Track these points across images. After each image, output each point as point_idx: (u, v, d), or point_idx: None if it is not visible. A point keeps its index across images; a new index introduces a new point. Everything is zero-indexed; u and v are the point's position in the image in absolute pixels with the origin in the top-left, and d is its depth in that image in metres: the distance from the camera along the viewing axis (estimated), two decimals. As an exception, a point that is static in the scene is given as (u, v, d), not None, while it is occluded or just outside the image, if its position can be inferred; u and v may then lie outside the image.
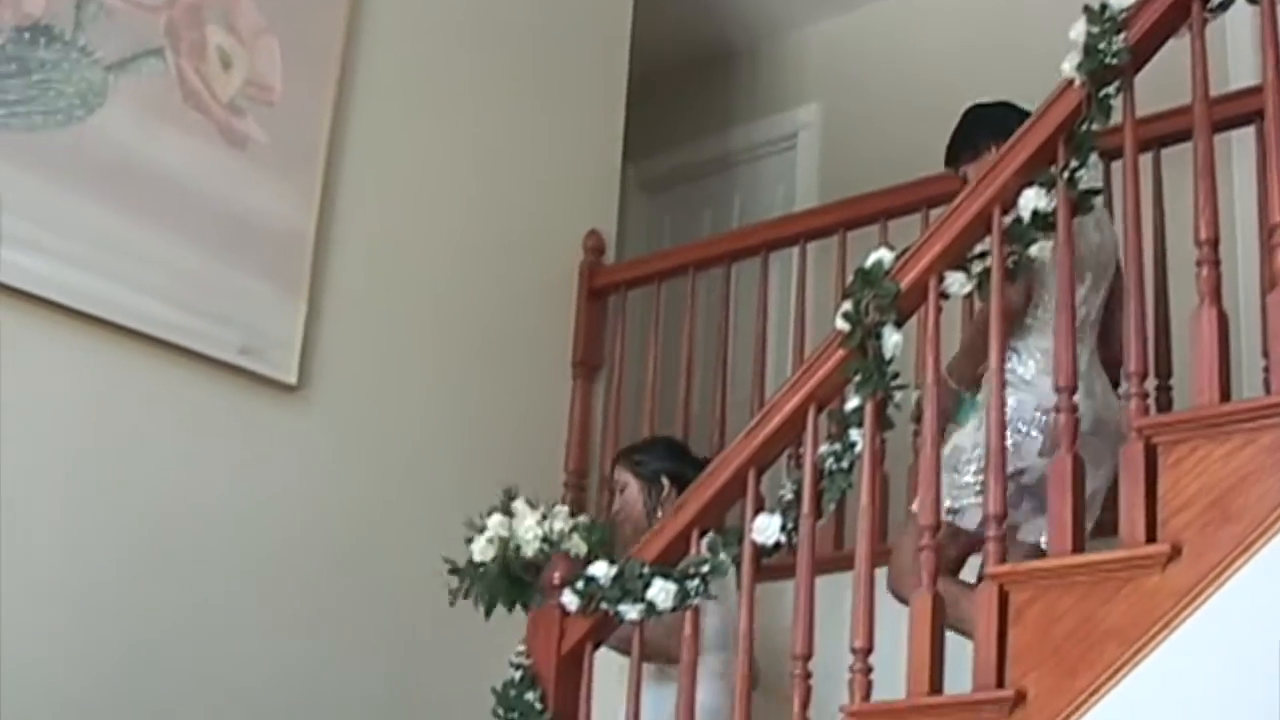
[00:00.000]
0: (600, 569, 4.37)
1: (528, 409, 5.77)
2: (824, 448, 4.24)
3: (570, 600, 4.39)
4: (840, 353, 4.25)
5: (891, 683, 4.06)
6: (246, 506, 4.86)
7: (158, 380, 4.98)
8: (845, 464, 4.21)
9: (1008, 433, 4.20)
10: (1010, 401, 4.29)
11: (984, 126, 4.88)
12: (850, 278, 4.29)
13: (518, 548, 4.50)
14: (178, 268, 5.02)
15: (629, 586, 4.31)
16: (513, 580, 4.50)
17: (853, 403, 4.23)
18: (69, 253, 4.79)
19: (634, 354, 6.04)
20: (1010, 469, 4.23)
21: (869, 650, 4.05)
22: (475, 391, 5.56)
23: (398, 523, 5.36)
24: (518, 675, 4.39)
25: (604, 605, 4.35)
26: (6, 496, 4.63)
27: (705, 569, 4.27)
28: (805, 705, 4.08)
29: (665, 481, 5.07)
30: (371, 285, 5.54)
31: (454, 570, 4.50)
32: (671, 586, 4.28)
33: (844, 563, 4.60)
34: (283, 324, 5.24)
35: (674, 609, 4.30)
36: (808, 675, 4.11)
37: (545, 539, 4.53)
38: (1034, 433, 4.49)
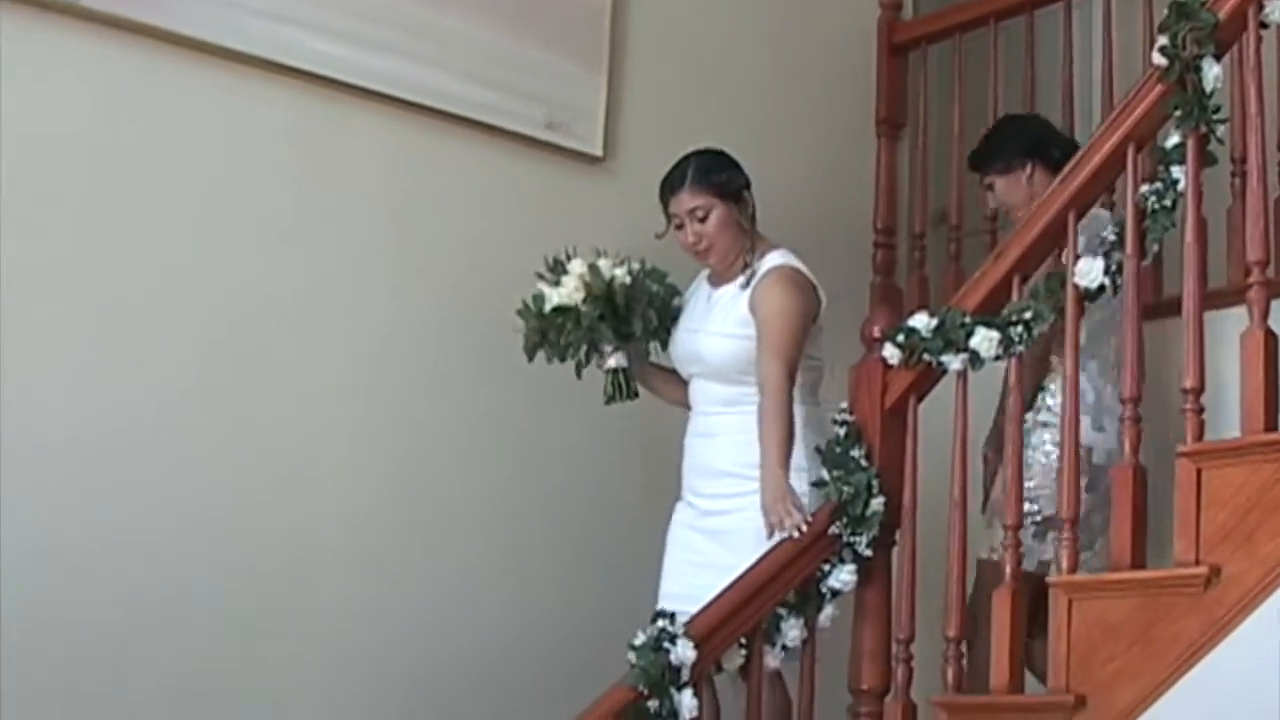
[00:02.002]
0: (920, 320, 4.33)
1: (832, 170, 5.72)
2: (1144, 187, 4.15)
3: (892, 353, 4.37)
4: (1158, 89, 4.15)
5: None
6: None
7: (467, 159, 5.05)
8: (1167, 202, 4.12)
9: (1050, 478, 4.44)
10: (1047, 444, 4.56)
11: (1020, 141, 4.98)
12: (1159, 15, 4.17)
13: (611, 280, 4.58)
14: (481, 47, 5.05)
15: (951, 336, 4.27)
16: (619, 318, 4.60)
17: (1173, 139, 4.13)
18: (376, 39, 4.85)
19: (937, 110, 5.93)
20: (1051, 511, 4.44)
21: (1200, 390, 3.99)
22: (779, 155, 5.51)
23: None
24: (842, 432, 4.39)
25: (925, 357, 4.32)
26: (330, 283, 4.78)
27: (1028, 316, 4.22)
28: (1136, 449, 4.05)
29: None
30: (668, 55, 5.51)
31: (539, 316, 4.57)
32: (994, 335, 4.23)
33: (1162, 310, 4.54)
34: (586, 97, 5.26)
35: (997, 358, 4.26)
36: (1138, 419, 4.07)
37: (631, 272, 4.64)
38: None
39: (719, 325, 4.61)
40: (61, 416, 4.31)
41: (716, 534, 4.49)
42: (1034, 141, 5.00)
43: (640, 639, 3.97)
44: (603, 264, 4.62)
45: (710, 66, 5.62)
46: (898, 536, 4.38)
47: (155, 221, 4.51)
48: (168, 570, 4.43)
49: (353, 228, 4.85)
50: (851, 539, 4.29)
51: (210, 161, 4.62)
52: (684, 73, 5.55)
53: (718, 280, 4.70)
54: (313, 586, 4.68)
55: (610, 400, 4.65)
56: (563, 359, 4.62)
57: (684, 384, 4.74)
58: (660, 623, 3.99)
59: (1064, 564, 4.08)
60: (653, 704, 3.93)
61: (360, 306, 4.84)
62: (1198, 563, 3.89)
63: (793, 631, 4.24)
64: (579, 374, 4.63)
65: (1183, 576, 3.90)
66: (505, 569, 4.95)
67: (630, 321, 4.62)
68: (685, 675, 3.97)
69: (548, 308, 4.59)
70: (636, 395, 4.69)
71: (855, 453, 4.36)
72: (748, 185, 4.69)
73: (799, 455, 4.46)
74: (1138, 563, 4.03)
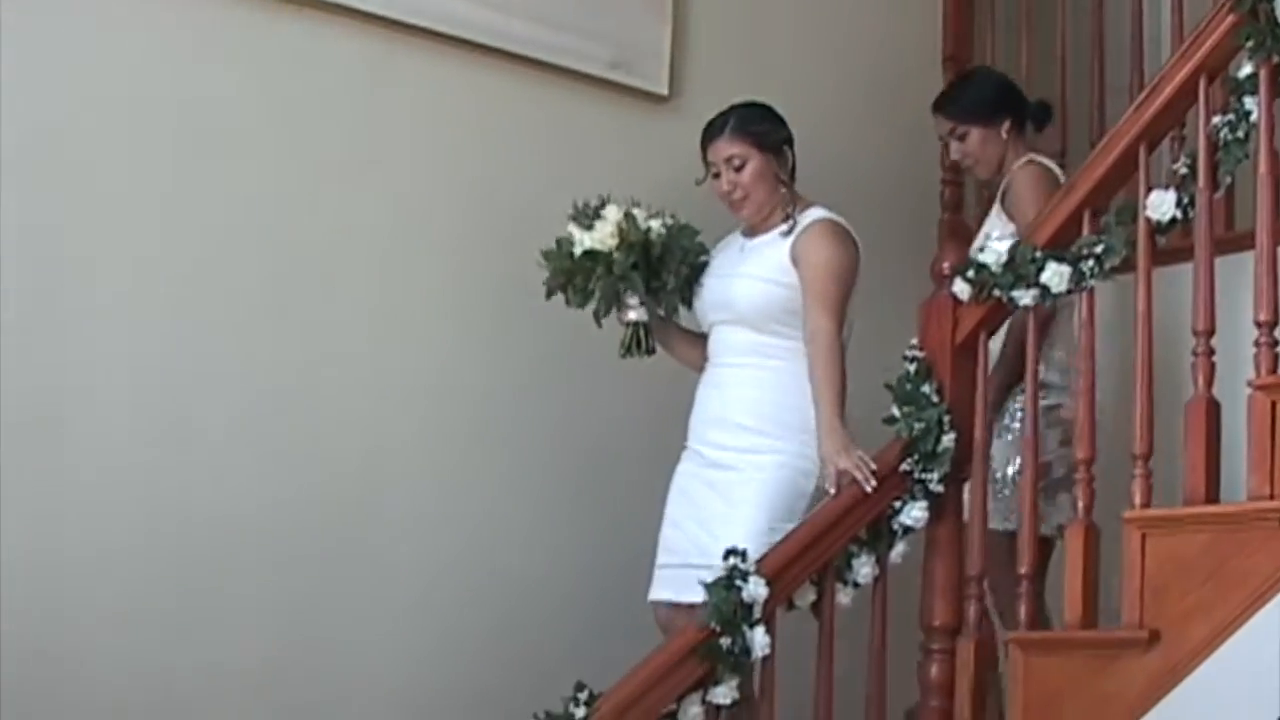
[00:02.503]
0: (991, 255, 4.31)
1: (898, 107, 5.67)
2: (1216, 119, 4.11)
3: (961, 289, 4.34)
4: (1230, 19, 4.11)
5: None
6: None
7: (532, 100, 5.05)
8: (1240, 134, 4.08)
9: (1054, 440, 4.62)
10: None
11: (1002, 96, 5.02)
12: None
13: (647, 231, 4.56)
14: (545, -13, 5.04)
15: (1021, 271, 4.24)
16: (650, 269, 4.57)
17: (1245, 70, 4.09)
18: (441, -20, 4.85)
19: (1005, 46, 5.87)
20: (1062, 471, 4.52)
21: (1274, 323, 3.96)
22: (846, 93, 5.49)
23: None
24: (912, 368, 4.37)
25: (996, 292, 4.30)
26: (399, 225, 4.81)
27: (1099, 250, 4.18)
28: (1210, 382, 4.03)
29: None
30: (733, -8, 5.50)
31: (569, 258, 4.55)
32: (1065, 269, 4.20)
33: (1233, 244, 4.50)
34: (651, 36, 5.24)
35: (1068, 292, 4.23)
36: (1211, 352, 4.04)
37: (667, 226, 4.61)
38: (1049, 430, 4.60)
39: (754, 269, 4.58)
40: (154, 356, 4.41)
41: (717, 486, 4.49)
42: (1015, 99, 5.02)
43: (713, 576, 3.97)
44: (637, 212, 4.59)
45: (775, 4, 5.59)
46: (968, 472, 4.36)
47: (234, 166, 4.56)
48: (243, 514, 4.49)
49: (419, 170, 4.86)
50: (923, 475, 4.27)
51: (280, 106, 4.65)
52: (748, 11, 5.52)
53: (752, 231, 4.67)
54: (386, 531, 4.72)
55: (626, 354, 4.63)
56: (582, 305, 4.59)
57: (700, 344, 4.71)
58: (732, 560, 3.99)
59: (1137, 499, 4.06)
60: (725, 641, 3.93)
61: (427, 248, 4.86)
62: (1273, 497, 3.87)
63: (864, 569, 4.24)
64: (599, 322, 4.59)
65: (1258, 510, 3.87)
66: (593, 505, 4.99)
67: (661, 274, 4.60)
68: (757, 612, 3.97)
69: (578, 250, 4.56)
70: (654, 351, 4.66)
71: (926, 389, 4.34)
72: (789, 141, 4.65)
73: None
74: (1211, 497, 4.00)
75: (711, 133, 4.64)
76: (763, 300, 4.53)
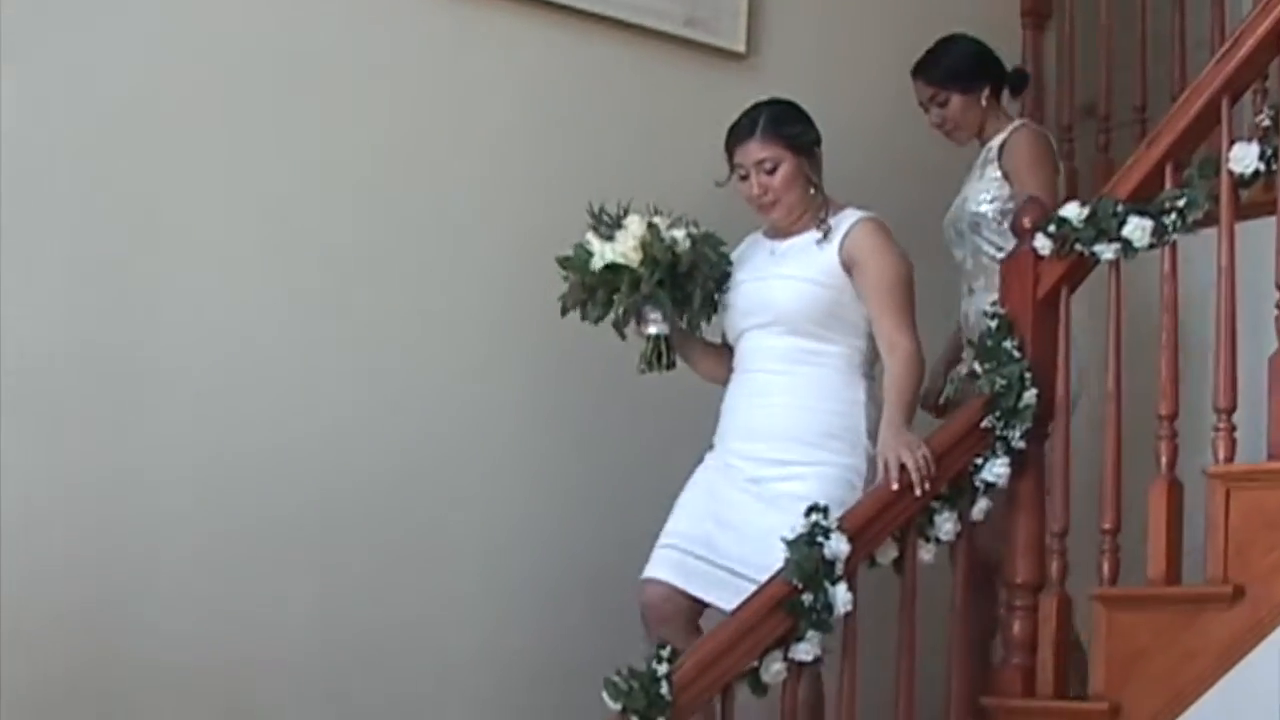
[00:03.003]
0: (1072, 210, 4.28)
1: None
2: (1302, 69, 4.08)
3: (1043, 244, 4.32)
4: (1313, -31, 4.07)
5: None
6: (703, 174, 4.88)
7: (608, 58, 5.07)
8: (1324, 85, 4.04)
9: None
10: None
11: (982, 62, 4.96)
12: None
13: (673, 245, 4.36)
14: (621, -57, 5.03)
15: (1103, 226, 4.22)
16: (676, 285, 4.38)
17: (1331, 18, 4.06)
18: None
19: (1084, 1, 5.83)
20: None
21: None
22: (922, 50, 5.45)
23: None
24: (994, 324, 4.35)
25: (1078, 247, 4.27)
26: (477, 182, 4.84)
27: (1181, 203, 4.15)
28: (1292, 335, 4.01)
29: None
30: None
31: (590, 271, 4.38)
32: (1147, 223, 4.17)
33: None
34: (728, -7, 5.22)
35: (1150, 247, 4.20)
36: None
37: (692, 237, 4.41)
38: None
39: (794, 269, 4.42)
40: (230, 302, 4.49)
41: (779, 500, 4.26)
42: (994, 65, 4.99)
43: (794, 533, 3.98)
44: (659, 221, 4.40)
45: (852, -39, 5.57)
46: (1050, 429, 4.35)
47: (319, 120, 4.63)
48: (311, 472, 4.56)
49: (497, 128, 4.88)
50: (1004, 432, 4.26)
51: (365, 63, 4.70)
52: (826, -32, 5.50)
53: (779, 234, 4.51)
54: (447, 507, 4.76)
55: (648, 369, 4.45)
56: (599, 320, 4.42)
57: (722, 356, 4.56)
58: (814, 516, 3.99)
59: (1221, 454, 4.04)
60: (807, 598, 3.94)
61: (504, 206, 4.88)
62: (1359, 449, 3.85)
63: (946, 525, 4.23)
64: (621, 334, 4.44)
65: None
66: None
67: (687, 287, 4.42)
68: (839, 569, 3.97)
69: (599, 264, 4.37)
70: (674, 365, 4.49)
71: (1007, 344, 4.32)
72: (819, 140, 4.50)
73: (861, 433, 4.35)
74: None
75: (740, 134, 4.47)
76: (807, 301, 4.38)
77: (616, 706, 3.77)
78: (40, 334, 4.21)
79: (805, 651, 3.97)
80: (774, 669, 3.96)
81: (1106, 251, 4.23)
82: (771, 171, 4.42)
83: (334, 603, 4.56)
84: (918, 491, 4.13)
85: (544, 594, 4.84)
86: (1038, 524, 4.32)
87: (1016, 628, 4.31)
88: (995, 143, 4.87)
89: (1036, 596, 4.30)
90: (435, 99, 4.79)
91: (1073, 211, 4.28)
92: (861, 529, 4.06)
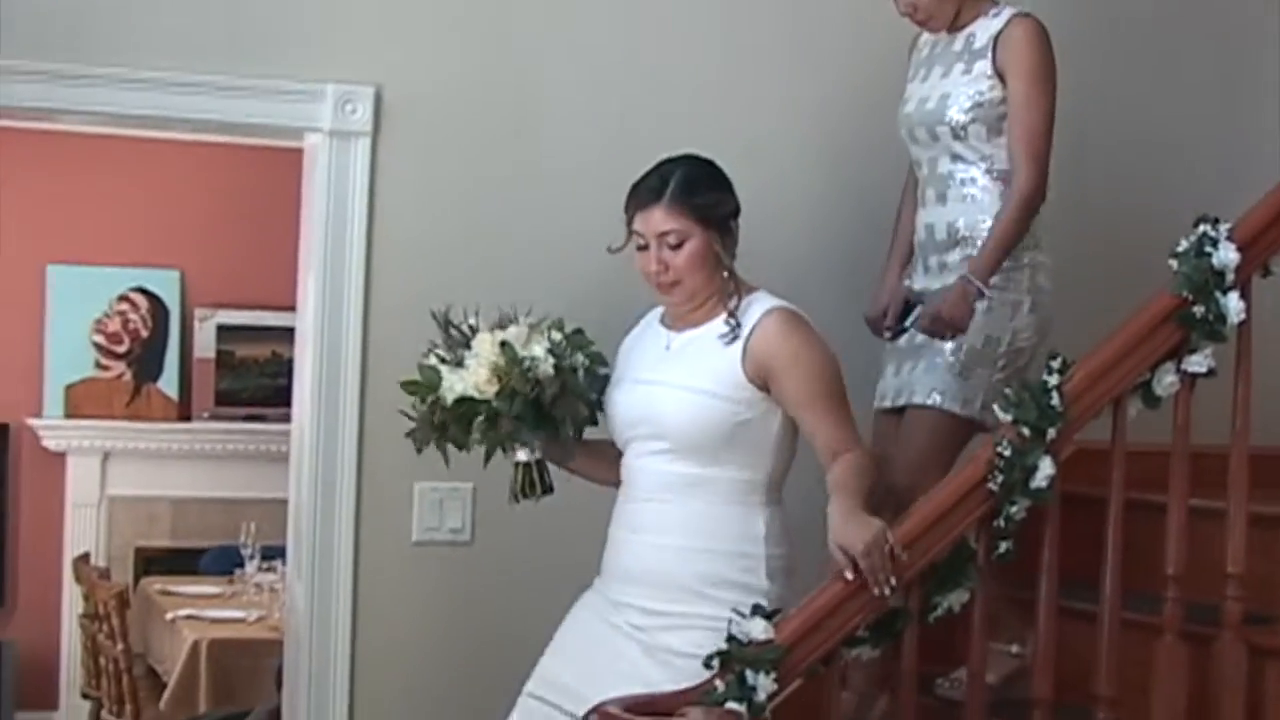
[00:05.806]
0: None
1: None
2: None
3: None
4: None
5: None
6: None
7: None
8: None
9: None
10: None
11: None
12: None
13: (531, 368, 3.76)
14: None
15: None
16: (542, 415, 3.79)
17: None
18: None
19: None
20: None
21: None
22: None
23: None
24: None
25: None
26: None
27: None
28: None
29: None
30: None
31: (439, 411, 3.81)
32: None
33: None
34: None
35: None
36: None
37: (555, 355, 3.81)
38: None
39: (685, 377, 3.76)
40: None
41: (656, 652, 3.72)
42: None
43: (1182, 245, 3.94)
44: (513, 333, 3.81)
45: None
46: None
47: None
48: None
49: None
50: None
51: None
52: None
53: (677, 323, 3.87)
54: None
55: (519, 498, 3.88)
56: (461, 449, 3.86)
57: (613, 455, 3.93)
58: (1202, 227, 3.96)
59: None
60: (1198, 309, 3.92)
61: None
62: None
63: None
64: (485, 463, 3.91)
65: None
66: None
67: (555, 419, 3.81)
68: (1229, 279, 3.94)
69: (449, 398, 3.79)
70: (552, 490, 3.91)
71: None
72: (737, 211, 3.82)
73: (760, 576, 3.74)
74: None
75: (643, 197, 3.77)
76: (698, 421, 3.72)
77: (1008, 417, 3.81)
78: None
79: (1198, 364, 3.94)
80: (1166, 380, 3.94)
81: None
82: (676, 247, 3.74)
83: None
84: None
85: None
86: None
87: None
88: (984, 31, 4.31)
89: None
90: None
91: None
92: (1253, 239, 3.98)
